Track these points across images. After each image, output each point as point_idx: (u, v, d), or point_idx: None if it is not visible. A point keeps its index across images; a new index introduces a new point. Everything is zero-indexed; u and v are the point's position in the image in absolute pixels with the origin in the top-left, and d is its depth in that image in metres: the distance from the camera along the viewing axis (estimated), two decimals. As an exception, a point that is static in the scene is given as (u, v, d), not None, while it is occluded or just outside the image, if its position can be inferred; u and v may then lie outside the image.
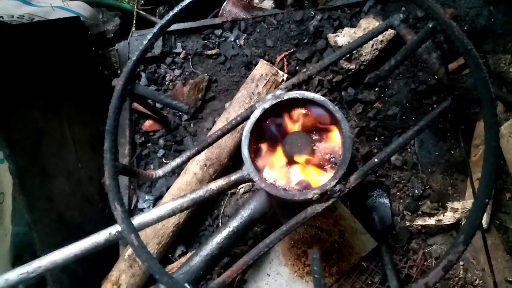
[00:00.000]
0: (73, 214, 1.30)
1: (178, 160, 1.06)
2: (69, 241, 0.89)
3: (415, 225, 1.20)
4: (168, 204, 0.94)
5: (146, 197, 1.36)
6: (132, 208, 1.36)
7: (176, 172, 1.33)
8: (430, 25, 0.86)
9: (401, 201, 1.26)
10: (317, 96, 0.99)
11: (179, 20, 0.99)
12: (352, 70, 1.32)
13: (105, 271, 1.25)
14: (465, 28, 1.28)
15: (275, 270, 1.28)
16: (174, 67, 1.47)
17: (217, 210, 1.35)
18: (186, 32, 1.48)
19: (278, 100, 1.00)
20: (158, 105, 1.42)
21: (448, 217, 1.16)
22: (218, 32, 1.45)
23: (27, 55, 1.18)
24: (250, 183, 1.36)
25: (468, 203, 1.14)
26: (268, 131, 1.04)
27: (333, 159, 1.01)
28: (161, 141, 1.41)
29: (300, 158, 0.97)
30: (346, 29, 1.30)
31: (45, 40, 1.24)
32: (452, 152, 1.25)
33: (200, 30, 1.46)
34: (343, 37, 1.28)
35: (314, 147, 1.00)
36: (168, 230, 1.25)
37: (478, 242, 1.13)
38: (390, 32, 1.28)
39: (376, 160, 0.96)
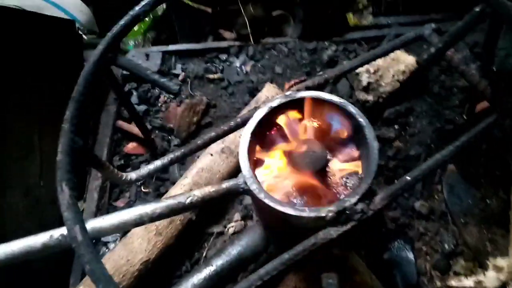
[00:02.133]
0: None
1: (157, 163, 0.85)
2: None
3: (448, 286, 0.94)
4: (136, 208, 0.71)
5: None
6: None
7: (154, 176, 1.11)
8: (477, 9, 0.73)
9: (428, 258, 1.01)
10: (336, 98, 0.82)
11: None
12: (370, 102, 1.17)
13: None
14: None
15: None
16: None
17: (198, 253, 1.09)
18: (188, 54, 1.36)
19: (288, 99, 0.83)
20: (148, 125, 1.25)
21: (490, 279, 0.91)
22: (224, 56, 1.34)
23: (10, 42, 1.04)
24: (242, 223, 1.12)
25: (516, 260, 0.90)
26: (272, 139, 0.85)
27: (351, 182, 0.81)
28: (143, 166, 1.20)
29: (310, 177, 0.77)
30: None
31: (32, 34, 1.10)
32: (487, 201, 1.04)
33: (203, 53, 1.35)
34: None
35: (329, 164, 0.81)
36: (133, 268, 0.98)
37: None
38: (413, 63, 1.16)
39: (408, 178, 0.76)
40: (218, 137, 0.84)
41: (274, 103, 0.81)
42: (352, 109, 0.79)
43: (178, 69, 1.34)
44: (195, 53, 1.36)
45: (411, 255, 1.00)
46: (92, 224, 0.70)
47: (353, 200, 0.70)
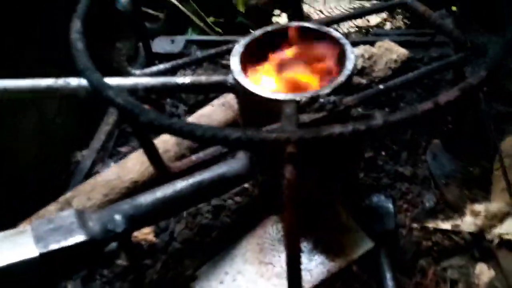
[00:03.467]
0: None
1: (161, 66, 0.95)
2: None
3: (427, 227, 0.93)
4: (131, 78, 0.81)
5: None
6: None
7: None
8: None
9: (408, 213, 1.02)
10: (316, 25, 0.93)
11: None
12: (363, 84, 1.27)
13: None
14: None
15: (236, 268, 0.97)
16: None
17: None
18: (208, 44, 1.54)
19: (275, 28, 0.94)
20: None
21: (467, 223, 0.90)
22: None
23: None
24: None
25: (493, 205, 0.90)
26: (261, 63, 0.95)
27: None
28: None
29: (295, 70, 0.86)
30: (361, 46, 1.32)
31: None
32: (470, 169, 1.06)
33: (221, 44, 1.51)
34: (357, 50, 1.29)
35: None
36: (122, 185, 1.03)
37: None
38: (405, 53, 1.28)
39: (381, 86, 0.84)
40: (217, 54, 0.96)
41: (258, 32, 0.93)
42: (333, 32, 0.91)
43: (197, 54, 1.51)
44: (213, 43, 1.53)
45: (391, 207, 1.01)
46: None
47: (326, 90, 0.78)
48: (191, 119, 1.16)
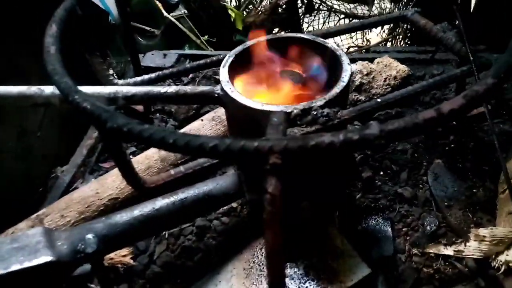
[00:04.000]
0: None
1: (145, 77, 0.90)
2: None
3: (428, 253, 0.86)
4: (112, 86, 0.75)
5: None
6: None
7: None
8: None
9: (408, 238, 0.95)
10: (311, 36, 0.88)
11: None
12: (361, 101, 1.22)
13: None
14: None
15: (220, 295, 0.89)
16: (178, 82, 1.42)
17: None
18: (201, 58, 1.49)
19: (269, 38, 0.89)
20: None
21: (471, 248, 0.83)
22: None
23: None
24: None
25: (499, 230, 0.83)
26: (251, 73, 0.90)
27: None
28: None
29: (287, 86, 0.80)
30: (360, 61, 1.27)
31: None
32: (474, 190, 1.00)
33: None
34: (355, 65, 1.24)
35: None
36: (100, 202, 0.96)
37: None
38: (405, 70, 1.23)
39: (379, 100, 0.78)
40: (206, 65, 0.90)
41: (249, 43, 0.88)
42: (328, 43, 0.86)
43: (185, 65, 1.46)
44: (208, 58, 1.49)
45: (389, 231, 0.94)
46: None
47: (320, 103, 0.73)
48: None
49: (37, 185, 1.17)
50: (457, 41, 0.88)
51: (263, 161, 0.45)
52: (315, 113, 0.72)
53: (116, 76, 1.01)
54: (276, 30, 2.19)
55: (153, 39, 2.12)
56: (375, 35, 2.24)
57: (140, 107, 1.27)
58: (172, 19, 1.94)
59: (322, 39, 0.87)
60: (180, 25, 1.95)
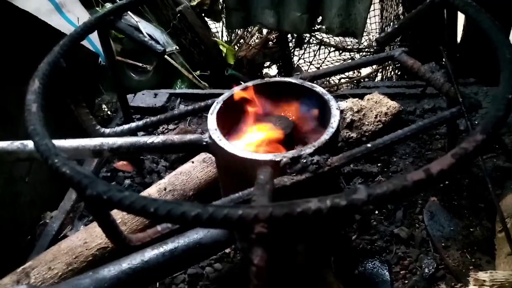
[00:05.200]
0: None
1: (132, 125, 0.89)
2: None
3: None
4: (98, 138, 0.74)
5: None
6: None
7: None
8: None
9: (406, 281, 0.92)
10: (300, 81, 0.88)
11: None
12: (353, 138, 1.21)
13: None
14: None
15: None
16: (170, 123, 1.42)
17: None
18: (191, 97, 1.50)
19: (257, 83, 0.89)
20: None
21: (471, 294, 0.80)
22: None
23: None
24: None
25: (499, 273, 0.80)
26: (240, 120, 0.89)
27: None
28: (127, 181, 1.22)
29: (276, 133, 0.79)
30: (350, 99, 1.27)
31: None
32: (471, 229, 0.98)
33: (204, 97, 1.47)
34: (346, 103, 1.24)
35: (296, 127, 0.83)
36: (88, 252, 0.93)
37: None
38: (395, 106, 1.23)
39: (369, 145, 0.77)
40: (194, 111, 0.89)
41: (238, 88, 0.88)
42: (316, 87, 0.85)
43: (180, 108, 1.46)
44: (197, 96, 1.49)
45: (387, 275, 0.91)
46: (54, 141, 0.72)
47: (309, 150, 0.72)
48: (170, 177, 1.08)
49: (25, 232, 1.14)
50: (445, 82, 0.87)
51: (248, 229, 0.43)
52: (304, 161, 0.71)
53: (101, 125, 0.99)
54: (267, 63, 2.21)
55: (146, 75, 2.13)
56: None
57: (129, 168, 1.27)
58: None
59: (310, 84, 0.87)
60: (172, 61, 1.97)
